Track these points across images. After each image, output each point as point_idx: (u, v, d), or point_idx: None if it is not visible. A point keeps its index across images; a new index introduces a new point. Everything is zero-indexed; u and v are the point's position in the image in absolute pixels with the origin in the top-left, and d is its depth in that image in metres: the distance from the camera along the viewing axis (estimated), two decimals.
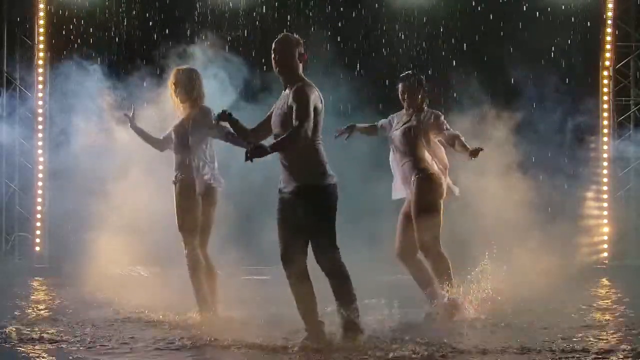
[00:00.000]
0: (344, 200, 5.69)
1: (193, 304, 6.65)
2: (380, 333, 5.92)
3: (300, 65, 5.71)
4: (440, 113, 6.99)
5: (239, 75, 8.48)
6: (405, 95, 7.01)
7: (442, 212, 6.89)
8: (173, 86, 6.74)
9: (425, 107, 7.03)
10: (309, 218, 5.57)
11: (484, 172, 7.81)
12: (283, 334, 5.90)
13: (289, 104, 5.59)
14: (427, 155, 6.92)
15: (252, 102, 8.55)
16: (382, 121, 7.25)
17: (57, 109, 10.06)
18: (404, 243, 6.99)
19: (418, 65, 10.20)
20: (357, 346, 5.51)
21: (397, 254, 7.05)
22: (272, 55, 5.71)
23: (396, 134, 7.01)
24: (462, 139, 6.78)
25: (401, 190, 7.05)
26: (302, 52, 5.71)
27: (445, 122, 6.94)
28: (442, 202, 6.90)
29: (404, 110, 7.09)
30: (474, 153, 6.61)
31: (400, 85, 7.06)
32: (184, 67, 6.89)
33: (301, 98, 5.54)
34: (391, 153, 7.12)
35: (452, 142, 6.82)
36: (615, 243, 10.52)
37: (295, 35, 5.79)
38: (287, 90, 5.69)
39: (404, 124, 6.99)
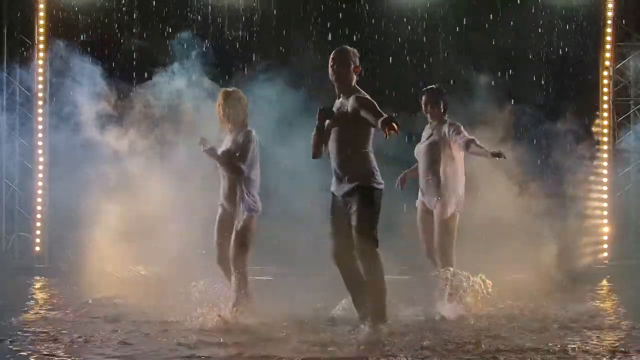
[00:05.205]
0: None
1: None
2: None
3: (355, 76, 6.20)
4: (459, 124, 7.05)
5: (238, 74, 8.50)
6: (428, 107, 7.14)
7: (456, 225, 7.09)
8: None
9: (447, 119, 7.12)
10: (360, 216, 5.99)
11: (482, 171, 7.80)
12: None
13: (350, 110, 6.04)
14: (450, 171, 7.02)
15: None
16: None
17: (57, 109, 10.05)
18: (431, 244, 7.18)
19: (418, 66, 10.23)
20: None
21: (427, 254, 7.25)
22: (330, 64, 6.17)
23: (420, 148, 7.20)
24: (477, 142, 6.88)
25: (426, 201, 7.18)
26: (357, 64, 6.20)
27: (464, 130, 7.03)
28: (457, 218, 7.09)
29: (428, 124, 7.24)
30: (496, 154, 6.68)
31: (423, 97, 7.19)
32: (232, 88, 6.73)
33: (369, 101, 6.03)
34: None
35: (467, 146, 6.89)
36: (615, 243, 10.51)
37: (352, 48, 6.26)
38: (342, 99, 6.19)
39: (427, 138, 7.15)
